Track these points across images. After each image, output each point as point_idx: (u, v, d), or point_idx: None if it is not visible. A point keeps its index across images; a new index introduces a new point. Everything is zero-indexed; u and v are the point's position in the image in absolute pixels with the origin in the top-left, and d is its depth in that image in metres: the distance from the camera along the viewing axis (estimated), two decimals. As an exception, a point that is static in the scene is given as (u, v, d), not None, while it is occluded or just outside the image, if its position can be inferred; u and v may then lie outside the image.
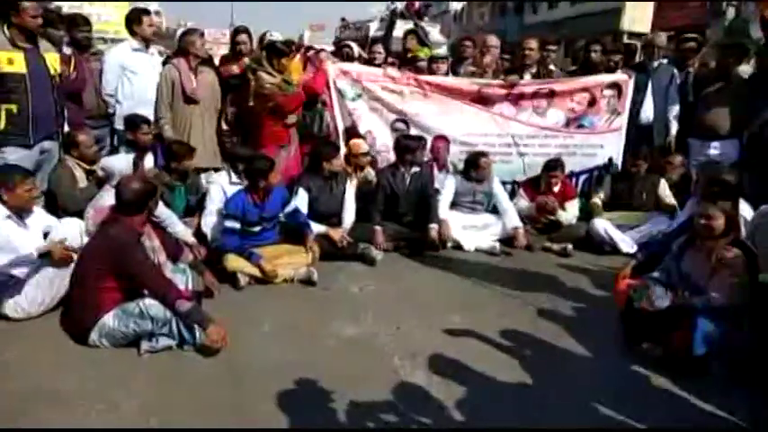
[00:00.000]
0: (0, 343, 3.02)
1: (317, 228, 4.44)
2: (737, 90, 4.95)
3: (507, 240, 4.96)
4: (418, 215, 4.91)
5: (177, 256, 3.59)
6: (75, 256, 3.23)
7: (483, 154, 5.14)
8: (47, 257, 3.21)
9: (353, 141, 5.14)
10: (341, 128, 5.35)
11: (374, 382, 2.76)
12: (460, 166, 5.30)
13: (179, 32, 5.95)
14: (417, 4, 19.98)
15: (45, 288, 3.25)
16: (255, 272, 3.96)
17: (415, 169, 4.95)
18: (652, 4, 19.39)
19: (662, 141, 5.54)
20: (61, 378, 2.72)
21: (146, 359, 2.91)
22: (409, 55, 6.38)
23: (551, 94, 5.59)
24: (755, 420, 2.57)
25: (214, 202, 4.43)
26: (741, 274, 2.93)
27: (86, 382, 2.70)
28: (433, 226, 4.76)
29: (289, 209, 4.30)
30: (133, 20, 5.08)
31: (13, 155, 3.76)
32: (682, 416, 2.62)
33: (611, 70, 5.74)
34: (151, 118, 4.76)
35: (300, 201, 4.49)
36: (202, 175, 4.89)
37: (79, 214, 3.86)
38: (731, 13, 7.19)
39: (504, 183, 5.31)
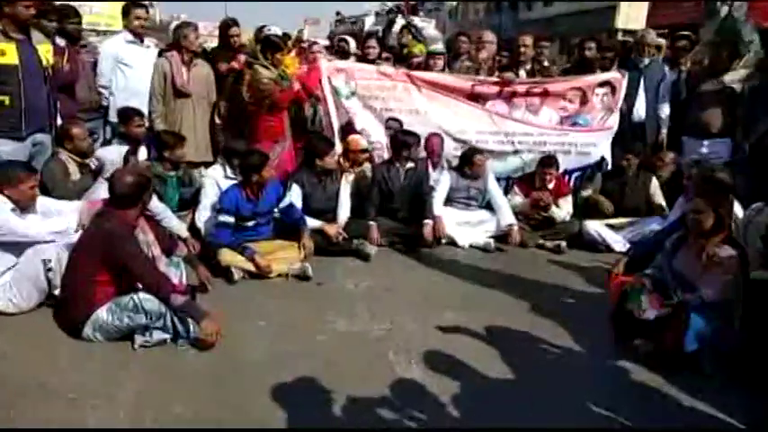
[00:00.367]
0: (-8, 337, 3.01)
1: (312, 223, 4.44)
2: (730, 91, 4.98)
3: (501, 237, 4.98)
4: (413, 211, 4.92)
5: (171, 251, 3.59)
6: None
7: (477, 151, 5.15)
8: None
9: (352, 137, 5.13)
10: (336, 125, 5.34)
11: (369, 377, 2.77)
12: (455, 163, 5.31)
13: (172, 26, 5.91)
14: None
15: (37, 282, 3.23)
16: (249, 266, 3.95)
17: (410, 165, 4.95)
18: (646, 2, 19.45)
19: (654, 139, 5.57)
20: (54, 372, 2.71)
21: (140, 353, 2.91)
22: (405, 50, 6.37)
23: (545, 93, 5.60)
24: (755, 420, 2.60)
25: (208, 197, 4.42)
26: (733, 272, 2.95)
27: (80, 376, 2.69)
28: (428, 222, 4.77)
29: (283, 204, 4.29)
30: (123, 12, 5.10)
31: (5, 147, 3.72)
32: (674, 413, 2.64)
33: (606, 67, 5.75)
34: (145, 111, 4.74)
35: (294, 196, 4.48)
36: (196, 170, 4.88)
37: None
38: (725, 12, 7.22)
39: (498, 180, 5.32)
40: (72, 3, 5.54)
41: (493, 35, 6.44)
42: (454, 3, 29.55)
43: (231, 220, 4.03)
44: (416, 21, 11.07)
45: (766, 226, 3.21)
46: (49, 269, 3.20)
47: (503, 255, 4.83)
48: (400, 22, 8.01)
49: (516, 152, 5.51)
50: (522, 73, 6.01)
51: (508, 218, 5.00)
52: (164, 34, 7.78)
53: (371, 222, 4.73)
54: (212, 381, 2.71)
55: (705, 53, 6.00)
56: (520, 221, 5.04)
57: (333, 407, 2.54)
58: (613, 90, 5.57)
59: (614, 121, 5.58)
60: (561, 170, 5.32)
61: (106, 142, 5.06)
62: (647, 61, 5.68)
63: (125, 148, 4.34)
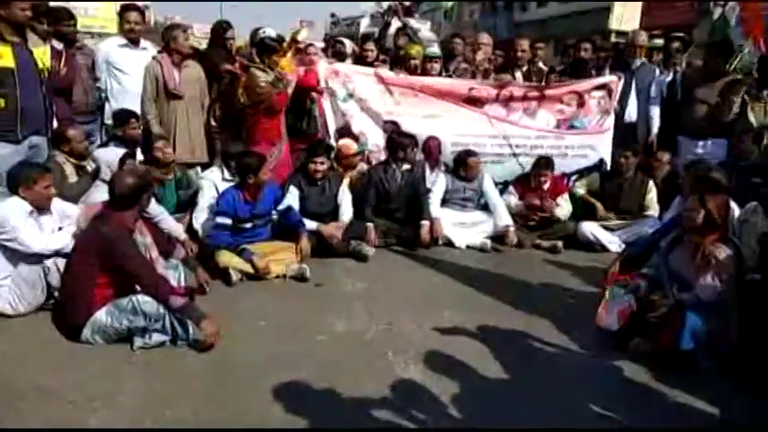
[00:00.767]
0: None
1: (309, 224, 4.44)
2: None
3: (498, 237, 5.00)
4: (410, 212, 4.94)
5: (169, 253, 3.59)
6: None
7: (471, 153, 5.16)
8: None
9: (342, 143, 5.14)
10: (332, 128, 5.35)
11: (368, 377, 2.78)
12: (452, 166, 5.32)
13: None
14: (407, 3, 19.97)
15: (36, 284, 3.23)
16: (248, 268, 3.96)
17: (407, 167, 4.96)
18: (640, 3, 19.53)
19: (645, 140, 5.61)
20: (54, 374, 2.71)
21: (140, 355, 2.91)
22: (401, 52, 6.39)
23: (541, 96, 5.63)
24: (753, 420, 2.62)
25: (206, 199, 4.43)
26: (729, 271, 2.98)
27: (80, 378, 2.69)
28: (425, 223, 4.79)
29: (282, 207, 4.29)
30: (119, 16, 5.10)
31: (1, 150, 3.71)
32: (671, 412, 2.66)
33: (600, 68, 5.78)
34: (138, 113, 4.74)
35: (291, 199, 4.48)
36: (192, 171, 4.87)
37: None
38: (718, 13, 7.29)
39: (496, 183, 5.33)
40: (66, 2, 5.52)
41: (488, 37, 6.47)
42: (449, 4, 29.57)
43: (229, 222, 4.04)
44: (412, 22, 11.11)
45: (763, 226, 3.24)
46: (48, 271, 3.20)
47: (499, 255, 4.85)
48: (396, 24, 8.03)
49: (514, 155, 5.53)
50: (519, 75, 6.04)
51: (504, 219, 5.02)
52: (158, 36, 7.76)
53: (369, 224, 4.74)
54: (212, 382, 2.71)
55: (699, 55, 6.06)
56: (516, 222, 5.07)
57: (332, 407, 2.55)
58: (609, 93, 5.61)
59: (610, 123, 5.62)
60: (559, 173, 5.35)
61: (103, 145, 5.04)
62: (638, 63, 5.72)
63: (122, 150, 4.33)
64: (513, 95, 5.59)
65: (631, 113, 5.65)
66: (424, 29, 9.26)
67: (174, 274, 3.46)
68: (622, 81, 5.57)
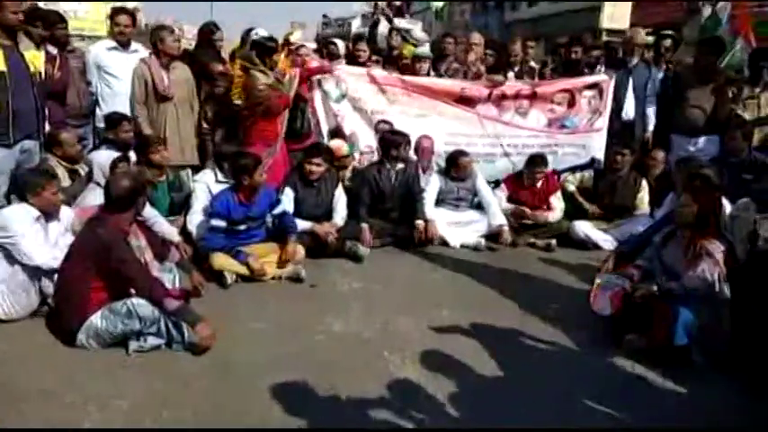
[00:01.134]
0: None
1: (303, 224, 4.44)
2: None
3: (492, 236, 5.02)
4: (404, 212, 4.94)
5: (164, 256, 3.58)
6: None
7: (462, 153, 5.17)
8: None
9: (333, 144, 5.13)
10: (325, 129, 5.35)
11: (366, 377, 2.79)
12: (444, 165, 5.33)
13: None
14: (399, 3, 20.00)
15: (30, 289, 3.22)
16: (242, 270, 3.95)
17: (401, 166, 4.97)
18: (630, 2, 19.63)
19: (641, 138, 5.64)
20: (51, 377, 2.70)
21: (136, 358, 2.90)
22: (395, 52, 6.40)
23: (533, 96, 5.65)
24: (746, 416, 2.64)
25: (200, 201, 4.41)
26: (721, 266, 3.00)
27: (77, 380, 2.68)
28: (420, 222, 4.80)
29: (277, 211, 4.27)
30: (109, 19, 5.08)
31: (-7, 154, 3.70)
32: (668, 409, 2.67)
33: (592, 66, 5.81)
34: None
35: (286, 201, 4.47)
36: (183, 173, 4.85)
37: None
38: (707, 11, 7.35)
39: (488, 182, 5.34)
40: (55, 3, 5.48)
41: (480, 37, 6.49)
42: (440, 4, 29.63)
43: (223, 224, 4.02)
44: (403, 23, 11.09)
45: (754, 221, 3.27)
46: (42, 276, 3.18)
47: (494, 254, 4.87)
48: (385, 23, 8.02)
49: (505, 154, 5.55)
50: (511, 75, 6.06)
51: (498, 218, 5.03)
52: (148, 39, 7.71)
53: (363, 224, 4.74)
54: (211, 382, 2.71)
55: (689, 53, 6.10)
56: (510, 221, 5.08)
57: (330, 407, 2.56)
58: (601, 93, 5.64)
59: (603, 123, 5.64)
60: (550, 170, 5.37)
61: (95, 148, 5.02)
62: (635, 61, 5.75)
63: (115, 153, 4.32)
64: (505, 94, 5.61)
65: (628, 111, 5.68)
66: (416, 29, 9.25)
67: (169, 277, 3.44)
68: (614, 80, 5.60)
